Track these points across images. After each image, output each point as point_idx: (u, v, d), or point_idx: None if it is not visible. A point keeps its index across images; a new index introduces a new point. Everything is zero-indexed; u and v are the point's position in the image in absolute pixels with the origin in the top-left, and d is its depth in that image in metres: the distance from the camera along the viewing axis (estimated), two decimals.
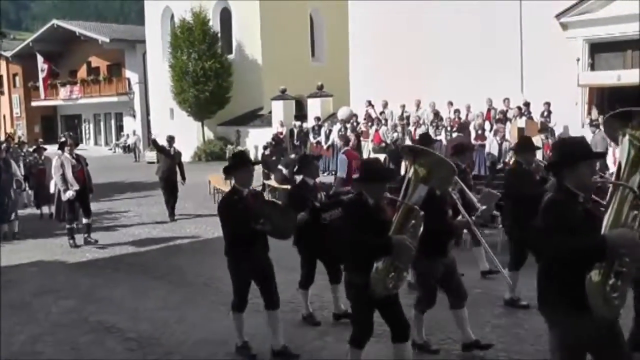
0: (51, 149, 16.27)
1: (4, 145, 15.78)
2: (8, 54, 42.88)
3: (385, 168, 4.81)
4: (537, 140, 14.66)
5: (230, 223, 5.65)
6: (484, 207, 5.81)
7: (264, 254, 5.86)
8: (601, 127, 15.73)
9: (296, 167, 7.25)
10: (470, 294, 6.07)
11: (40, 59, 40.60)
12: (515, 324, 6.54)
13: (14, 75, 45.22)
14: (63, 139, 12.49)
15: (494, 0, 18.51)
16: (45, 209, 14.92)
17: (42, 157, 15.01)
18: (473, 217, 5.80)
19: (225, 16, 30.14)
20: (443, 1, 19.58)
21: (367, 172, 4.88)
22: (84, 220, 11.65)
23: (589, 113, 17.73)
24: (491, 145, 16.66)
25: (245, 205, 5.61)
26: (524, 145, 7.24)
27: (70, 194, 11.08)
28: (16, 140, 25.73)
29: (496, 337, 6.07)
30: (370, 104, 21.43)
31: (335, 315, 6.88)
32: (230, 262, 5.85)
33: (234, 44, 29.79)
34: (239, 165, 5.86)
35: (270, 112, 26.35)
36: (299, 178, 7.13)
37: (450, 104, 18.96)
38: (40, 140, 19.86)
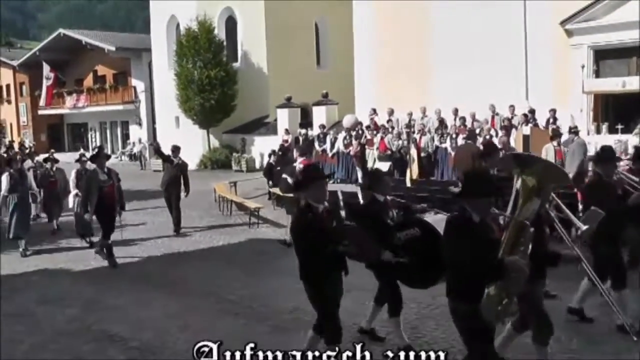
0: (61, 159, 16.09)
1: (19, 156, 15.40)
2: (15, 63, 43.17)
3: (492, 180, 4.53)
4: (549, 147, 14.46)
5: (307, 244, 5.17)
6: (586, 226, 5.23)
7: (339, 279, 5.38)
8: (580, 134, 15.67)
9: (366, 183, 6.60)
10: None
11: (46, 67, 40.81)
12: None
13: (21, 84, 45.44)
14: (96, 151, 11.62)
15: (498, 6, 18.51)
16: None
17: (54, 168, 14.42)
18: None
19: (231, 24, 30.23)
20: (447, 10, 19.60)
21: (471, 186, 4.35)
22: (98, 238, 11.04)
23: (594, 120, 17.68)
24: None
25: (322, 225, 5.17)
26: (604, 155, 6.59)
27: (87, 217, 10.74)
28: (26, 150, 25.49)
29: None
30: (375, 112, 21.41)
31: (361, 330, 6.51)
32: (308, 287, 5.31)
33: (240, 52, 29.88)
34: (312, 179, 5.33)
35: (275, 120, 26.38)
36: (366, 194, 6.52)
37: (456, 111, 18.92)
38: (52, 150, 19.55)
